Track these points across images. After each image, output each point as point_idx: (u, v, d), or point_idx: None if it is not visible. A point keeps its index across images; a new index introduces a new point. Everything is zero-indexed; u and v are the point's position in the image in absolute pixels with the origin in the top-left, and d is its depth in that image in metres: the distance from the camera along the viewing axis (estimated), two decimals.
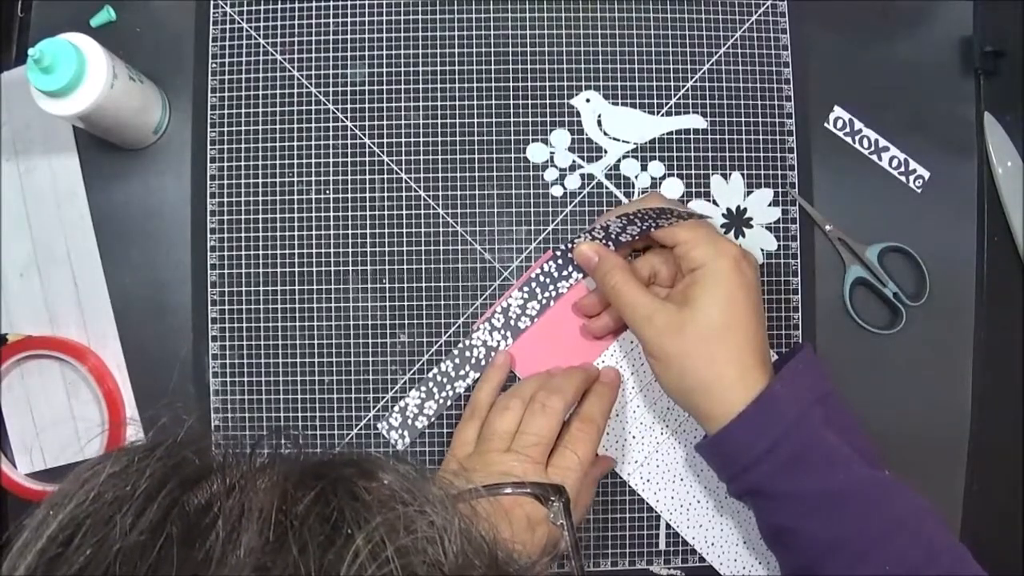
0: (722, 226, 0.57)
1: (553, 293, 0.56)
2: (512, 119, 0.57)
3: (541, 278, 0.56)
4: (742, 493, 0.49)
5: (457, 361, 0.56)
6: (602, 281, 0.52)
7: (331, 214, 0.57)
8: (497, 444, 0.49)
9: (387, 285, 0.56)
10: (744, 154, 0.57)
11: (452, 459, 0.51)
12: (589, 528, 0.56)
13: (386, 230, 0.57)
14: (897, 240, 0.56)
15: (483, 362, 0.56)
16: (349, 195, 0.57)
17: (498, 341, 0.56)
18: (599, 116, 0.57)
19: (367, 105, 0.57)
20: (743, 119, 0.57)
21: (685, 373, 0.49)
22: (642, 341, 0.50)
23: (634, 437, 0.56)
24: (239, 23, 0.58)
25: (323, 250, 0.57)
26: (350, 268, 0.56)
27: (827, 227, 0.56)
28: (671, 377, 0.49)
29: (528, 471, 0.47)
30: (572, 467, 0.49)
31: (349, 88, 0.57)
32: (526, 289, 0.56)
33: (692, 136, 0.57)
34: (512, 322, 0.56)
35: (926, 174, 0.57)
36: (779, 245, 0.57)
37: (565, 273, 0.56)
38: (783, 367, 0.49)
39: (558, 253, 0.55)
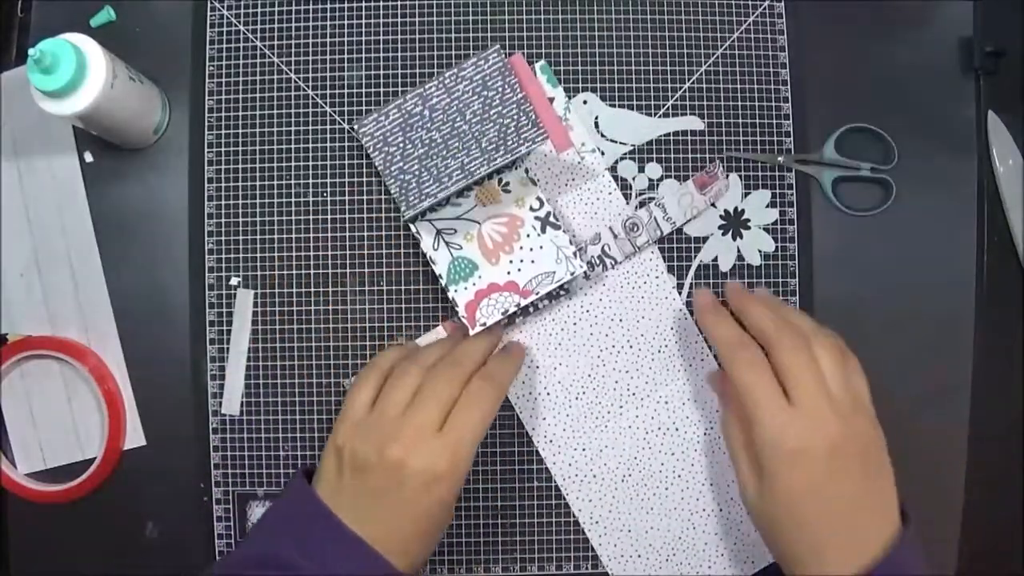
0: (719, 227, 0.57)
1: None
2: None
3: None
4: None
5: None
6: (722, 410, 0.54)
7: (328, 216, 0.57)
8: (392, 412, 0.48)
9: (385, 287, 0.57)
10: (741, 156, 0.57)
11: (346, 421, 0.49)
12: (580, 531, 0.56)
13: (384, 231, 0.57)
14: (849, 122, 0.57)
15: None
16: (346, 197, 0.57)
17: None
18: (596, 118, 0.57)
19: (364, 107, 0.57)
20: (740, 120, 0.57)
21: (772, 546, 0.48)
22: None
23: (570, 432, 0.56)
24: (236, 25, 0.58)
25: (321, 252, 0.57)
26: (348, 270, 0.57)
27: (779, 159, 0.57)
28: (767, 542, 0.49)
29: (420, 444, 0.47)
30: (469, 427, 0.48)
31: (345, 90, 0.57)
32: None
33: (689, 137, 0.57)
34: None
35: None
36: (777, 246, 0.57)
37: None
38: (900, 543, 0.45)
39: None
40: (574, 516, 0.56)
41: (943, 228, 0.57)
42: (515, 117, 0.51)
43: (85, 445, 0.57)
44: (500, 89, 0.50)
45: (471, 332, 0.53)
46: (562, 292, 0.56)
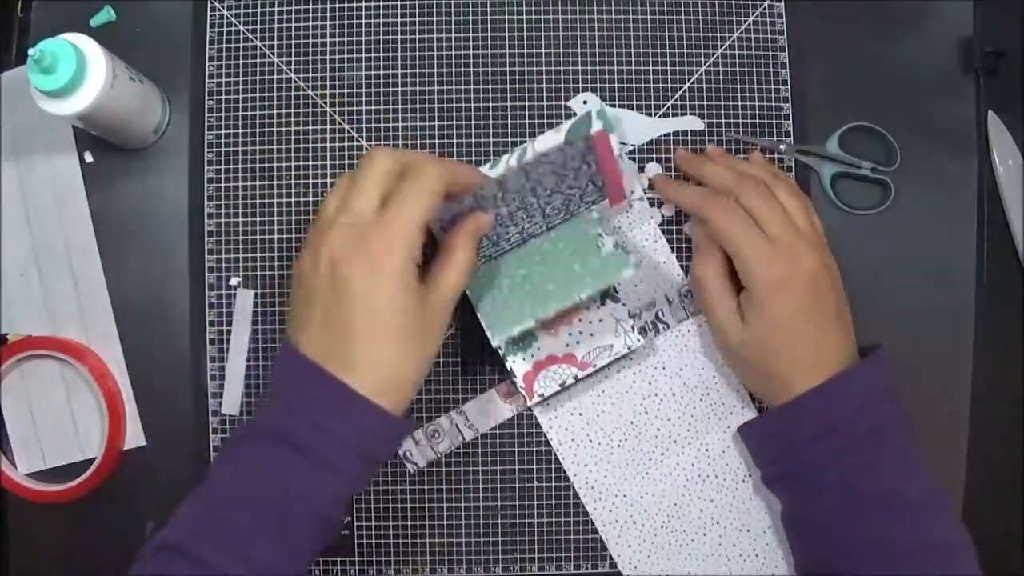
0: None
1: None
2: (510, 121, 0.57)
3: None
4: (781, 476, 0.51)
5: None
6: (693, 265, 0.54)
7: None
8: (330, 210, 0.45)
9: None
10: (741, 155, 0.57)
11: (316, 233, 0.46)
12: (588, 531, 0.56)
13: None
14: (849, 122, 0.57)
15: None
16: None
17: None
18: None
19: (364, 107, 0.57)
20: (740, 120, 0.57)
21: (752, 383, 0.54)
22: (713, 336, 0.54)
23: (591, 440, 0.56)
24: (236, 25, 0.58)
25: None
26: None
27: (781, 146, 0.57)
28: (744, 381, 0.55)
29: (352, 232, 0.44)
30: (410, 204, 0.44)
31: (345, 90, 0.57)
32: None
33: (690, 137, 0.57)
34: None
35: None
36: None
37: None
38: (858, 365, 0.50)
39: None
40: (579, 519, 0.56)
41: (943, 228, 0.57)
42: (583, 187, 0.51)
43: (85, 445, 0.57)
44: (577, 168, 0.49)
45: (529, 403, 0.54)
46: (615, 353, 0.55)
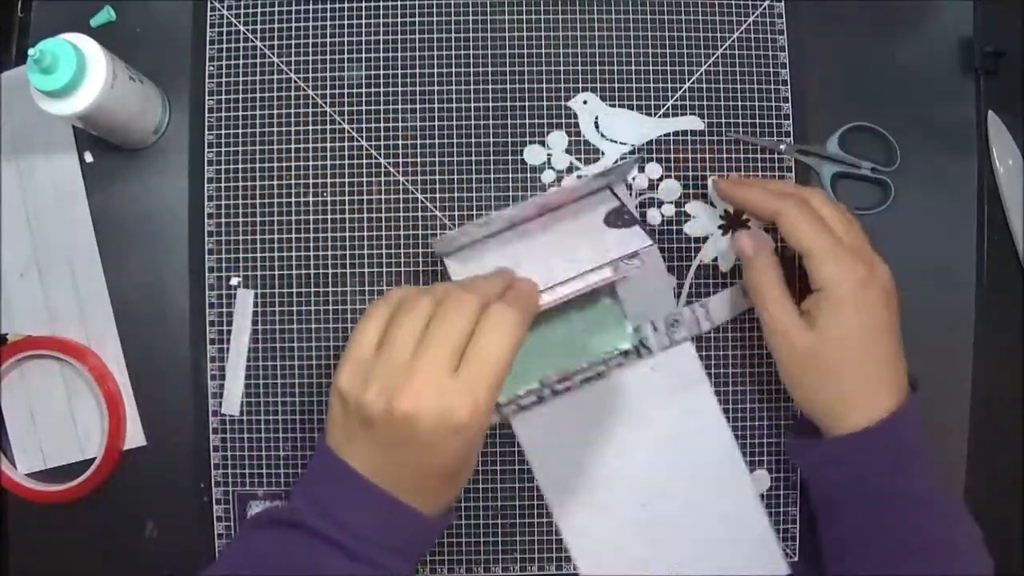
0: (719, 227, 0.57)
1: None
2: (509, 121, 0.57)
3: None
4: (836, 501, 0.50)
5: None
6: (748, 275, 0.52)
7: (328, 217, 0.57)
8: (400, 353, 0.42)
9: (385, 287, 0.56)
10: (741, 155, 0.57)
11: (350, 361, 0.44)
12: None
13: (383, 232, 0.57)
14: (849, 122, 0.57)
15: None
16: (346, 197, 0.57)
17: None
18: (596, 118, 0.57)
19: (363, 107, 0.57)
20: (740, 120, 0.57)
21: (812, 396, 0.50)
22: (772, 349, 0.51)
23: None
24: (236, 25, 0.58)
25: (321, 252, 0.57)
26: (348, 270, 0.57)
27: (781, 146, 0.57)
28: (800, 395, 0.51)
29: (433, 391, 0.41)
30: (490, 361, 0.41)
31: (345, 91, 0.57)
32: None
33: (690, 137, 0.57)
34: None
35: None
36: (777, 246, 0.57)
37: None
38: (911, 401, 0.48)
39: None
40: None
41: (943, 228, 0.57)
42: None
43: (85, 445, 0.57)
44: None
45: (503, 411, 0.55)
46: (597, 378, 0.56)
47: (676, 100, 0.57)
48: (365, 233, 0.57)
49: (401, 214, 0.57)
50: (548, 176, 0.57)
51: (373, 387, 0.42)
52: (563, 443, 0.56)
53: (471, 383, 0.41)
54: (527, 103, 0.57)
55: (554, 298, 0.50)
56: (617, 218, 0.52)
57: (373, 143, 0.57)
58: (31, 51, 0.46)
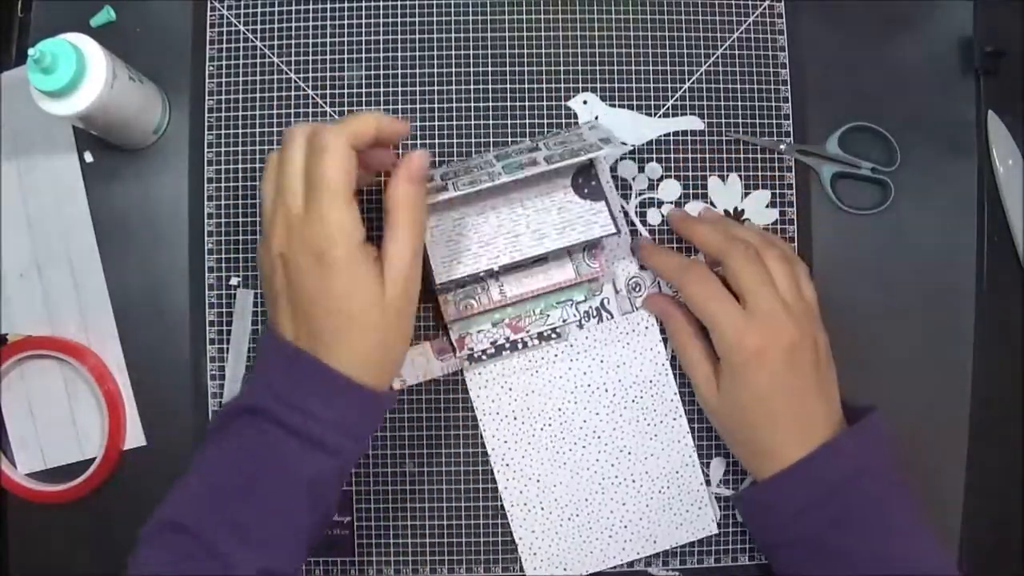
0: None
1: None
2: (509, 121, 0.57)
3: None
4: (778, 546, 0.51)
5: None
6: (669, 328, 0.54)
7: None
8: (291, 198, 0.45)
9: None
10: (741, 155, 0.57)
11: (264, 225, 0.47)
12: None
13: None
14: (849, 122, 0.57)
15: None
16: None
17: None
18: (596, 118, 0.57)
19: (364, 107, 0.57)
20: (740, 120, 0.57)
21: (733, 448, 0.53)
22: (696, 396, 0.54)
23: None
24: (236, 25, 0.58)
25: None
26: None
27: (781, 146, 0.57)
28: (728, 445, 0.54)
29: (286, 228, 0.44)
30: (320, 187, 0.43)
31: (345, 90, 0.57)
32: None
33: (689, 137, 0.57)
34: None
35: None
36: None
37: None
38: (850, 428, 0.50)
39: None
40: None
41: (943, 228, 0.57)
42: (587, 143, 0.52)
43: (85, 445, 0.57)
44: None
45: (455, 358, 0.54)
46: (553, 335, 0.56)
47: (676, 100, 0.57)
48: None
49: None
50: None
51: (262, 251, 0.46)
52: (513, 400, 0.56)
53: (320, 220, 0.43)
54: (527, 103, 0.57)
55: (523, 290, 0.53)
56: (584, 184, 0.53)
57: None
58: (31, 51, 0.46)
